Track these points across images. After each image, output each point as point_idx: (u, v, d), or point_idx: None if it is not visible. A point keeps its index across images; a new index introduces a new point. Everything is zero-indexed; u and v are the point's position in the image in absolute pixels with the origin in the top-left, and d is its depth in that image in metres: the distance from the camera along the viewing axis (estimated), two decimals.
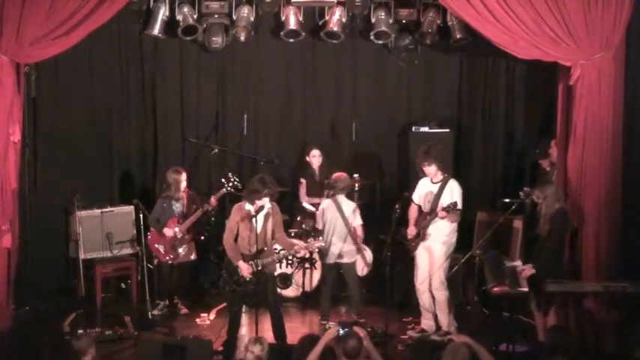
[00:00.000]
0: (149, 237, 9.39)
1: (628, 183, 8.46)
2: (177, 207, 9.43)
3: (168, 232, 9.35)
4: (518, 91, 10.29)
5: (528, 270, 7.89)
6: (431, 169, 8.64)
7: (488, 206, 9.70)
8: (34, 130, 9.83)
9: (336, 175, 9.10)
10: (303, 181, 10.11)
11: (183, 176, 9.41)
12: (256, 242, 8.05)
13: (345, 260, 9.06)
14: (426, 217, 8.67)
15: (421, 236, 8.70)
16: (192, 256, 9.57)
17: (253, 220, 8.03)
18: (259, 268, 8.06)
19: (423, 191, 8.79)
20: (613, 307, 7.86)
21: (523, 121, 10.32)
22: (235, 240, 8.19)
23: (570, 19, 8.17)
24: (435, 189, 8.67)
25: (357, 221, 9.04)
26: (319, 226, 9.12)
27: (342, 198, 9.03)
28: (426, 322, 8.85)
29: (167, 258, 9.40)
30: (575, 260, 8.33)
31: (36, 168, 9.91)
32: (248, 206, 8.14)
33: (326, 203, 9.10)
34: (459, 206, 8.56)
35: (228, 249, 8.18)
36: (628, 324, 7.86)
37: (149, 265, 9.46)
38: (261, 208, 8.03)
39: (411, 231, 8.77)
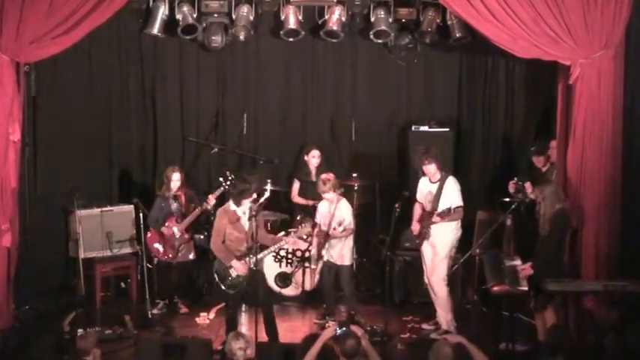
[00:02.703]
0: (148, 236, 9.38)
1: (628, 182, 8.45)
2: (176, 206, 9.43)
3: (166, 231, 9.35)
4: (518, 90, 10.29)
5: (528, 270, 7.89)
6: (431, 168, 8.68)
7: (488, 205, 9.69)
8: (33, 129, 9.82)
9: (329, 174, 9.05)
10: (297, 181, 10.12)
11: (175, 175, 9.39)
12: (249, 241, 8.03)
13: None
14: (429, 215, 8.72)
15: (424, 235, 8.75)
16: (191, 256, 9.57)
17: (242, 221, 8.02)
18: (252, 266, 8.06)
19: (423, 190, 8.85)
20: (613, 306, 7.86)
21: (523, 120, 10.32)
22: (223, 242, 8.18)
23: (570, 18, 8.16)
24: (434, 189, 8.71)
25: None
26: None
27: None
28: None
29: (166, 257, 9.40)
30: (575, 260, 8.33)
31: (36, 167, 9.90)
32: (233, 207, 8.14)
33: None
34: (460, 203, 8.60)
35: (218, 251, 8.16)
36: (628, 323, 7.86)
37: (148, 264, 9.45)
38: (260, 207, 8.03)
39: (415, 227, 8.83)
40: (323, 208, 9.08)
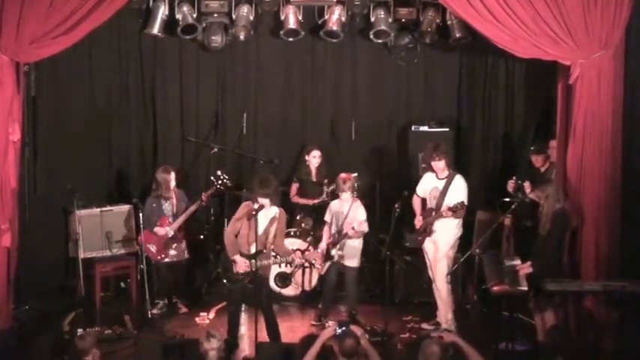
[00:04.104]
0: (141, 237, 9.36)
1: (628, 182, 8.45)
2: (167, 207, 9.43)
3: (160, 230, 9.35)
4: (518, 90, 10.30)
5: (526, 268, 7.91)
6: (440, 164, 8.73)
7: (488, 205, 9.69)
8: (33, 129, 9.83)
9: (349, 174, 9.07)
10: (296, 181, 10.11)
11: (172, 175, 9.40)
12: (255, 243, 8.04)
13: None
14: (431, 212, 8.73)
15: (428, 231, 8.77)
16: (185, 255, 9.56)
17: (254, 220, 8.03)
18: (254, 269, 8.05)
19: (427, 186, 8.87)
20: (612, 306, 7.86)
21: (522, 120, 10.33)
22: (236, 236, 8.20)
23: (570, 19, 8.16)
24: (441, 185, 8.73)
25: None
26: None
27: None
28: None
29: (159, 257, 9.39)
30: (575, 260, 8.33)
31: (36, 167, 9.90)
32: (256, 205, 8.15)
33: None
34: (466, 201, 8.62)
35: (227, 242, 8.22)
36: (627, 323, 7.86)
37: (145, 265, 9.41)
38: (261, 207, 8.04)
39: (418, 221, 8.83)
40: (336, 208, 9.07)
